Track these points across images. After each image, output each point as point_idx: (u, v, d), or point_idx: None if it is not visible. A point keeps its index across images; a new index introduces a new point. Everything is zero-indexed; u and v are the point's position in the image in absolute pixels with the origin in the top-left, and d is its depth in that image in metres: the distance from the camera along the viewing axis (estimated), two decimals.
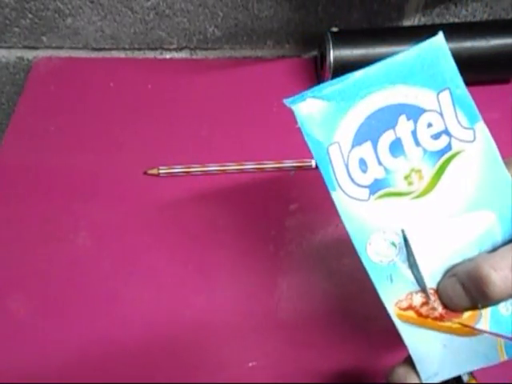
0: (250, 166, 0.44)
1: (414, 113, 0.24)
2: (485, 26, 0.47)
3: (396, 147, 0.24)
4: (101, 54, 0.53)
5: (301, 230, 0.41)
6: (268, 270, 0.39)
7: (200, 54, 0.54)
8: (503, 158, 0.25)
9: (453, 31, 0.46)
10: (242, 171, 0.44)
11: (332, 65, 0.45)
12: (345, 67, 0.45)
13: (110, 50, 0.53)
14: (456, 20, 0.51)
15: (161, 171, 0.43)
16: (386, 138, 0.24)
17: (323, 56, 0.47)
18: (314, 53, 0.53)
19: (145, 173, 0.44)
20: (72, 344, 0.36)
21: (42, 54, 0.53)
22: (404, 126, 0.24)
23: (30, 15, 0.49)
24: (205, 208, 0.42)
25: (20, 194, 0.43)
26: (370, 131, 0.24)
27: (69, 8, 0.49)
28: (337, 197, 0.24)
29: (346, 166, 0.24)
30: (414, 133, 0.24)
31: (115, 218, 0.41)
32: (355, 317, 0.37)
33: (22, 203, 0.42)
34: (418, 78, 0.24)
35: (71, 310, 0.37)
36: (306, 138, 0.24)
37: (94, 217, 0.41)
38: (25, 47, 0.53)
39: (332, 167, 0.24)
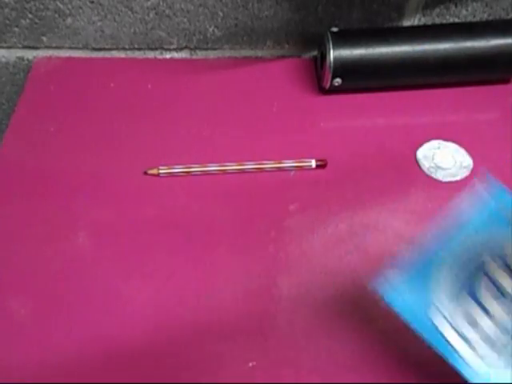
0: (250, 165, 0.44)
1: (496, 249, 0.24)
2: (485, 25, 0.47)
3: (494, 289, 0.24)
4: (101, 54, 0.53)
5: (301, 230, 0.41)
6: (268, 271, 0.39)
7: (200, 54, 0.54)
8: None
9: (453, 31, 0.47)
10: (242, 171, 0.44)
11: (332, 65, 0.45)
12: (345, 67, 0.45)
13: (110, 50, 0.53)
14: (456, 20, 0.51)
15: (161, 171, 0.43)
16: (482, 284, 0.24)
17: (323, 56, 0.47)
18: (314, 53, 0.53)
19: (145, 173, 0.44)
20: (72, 344, 0.36)
21: (41, 53, 0.53)
22: (491, 264, 0.24)
23: (30, 15, 0.49)
24: (205, 208, 0.42)
25: (20, 194, 0.43)
26: (462, 286, 0.24)
27: (69, 8, 0.49)
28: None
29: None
30: (505, 265, 0.24)
31: (115, 218, 0.41)
32: (355, 317, 0.37)
33: (22, 203, 0.42)
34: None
35: (71, 309, 0.37)
36: (411, 325, 0.25)
37: (93, 217, 0.41)
38: (25, 47, 0.53)
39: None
